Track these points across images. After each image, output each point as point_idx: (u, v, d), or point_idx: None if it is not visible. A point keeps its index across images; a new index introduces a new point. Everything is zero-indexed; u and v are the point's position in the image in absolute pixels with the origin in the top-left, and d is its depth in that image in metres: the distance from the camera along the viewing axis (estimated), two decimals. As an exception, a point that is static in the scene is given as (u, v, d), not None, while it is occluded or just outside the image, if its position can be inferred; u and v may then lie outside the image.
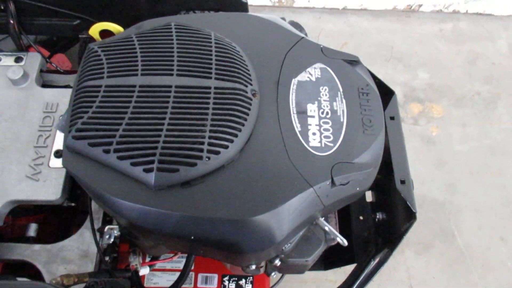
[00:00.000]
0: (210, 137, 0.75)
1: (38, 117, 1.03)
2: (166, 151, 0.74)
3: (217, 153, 0.75)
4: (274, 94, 0.85)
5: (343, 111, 0.85)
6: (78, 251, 0.98)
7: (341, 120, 0.84)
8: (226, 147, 0.75)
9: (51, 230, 1.13)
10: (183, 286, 1.16)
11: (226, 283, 1.20)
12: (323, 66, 0.90)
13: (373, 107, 0.87)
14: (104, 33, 1.12)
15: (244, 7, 1.15)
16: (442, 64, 2.34)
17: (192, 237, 0.78)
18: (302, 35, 0.95)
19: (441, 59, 2.36)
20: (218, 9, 1.18)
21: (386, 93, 1.05)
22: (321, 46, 0.94)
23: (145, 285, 1.18)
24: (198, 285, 1.17)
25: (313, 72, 0.89)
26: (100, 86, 0.79)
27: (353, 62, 0.93)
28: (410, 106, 2.17)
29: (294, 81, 0.87)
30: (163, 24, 0.90)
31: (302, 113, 0.84)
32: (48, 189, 0.94)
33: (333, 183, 0.78)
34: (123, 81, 0.80)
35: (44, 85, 1.11)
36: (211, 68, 0.82)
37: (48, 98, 1.06)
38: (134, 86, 0.79)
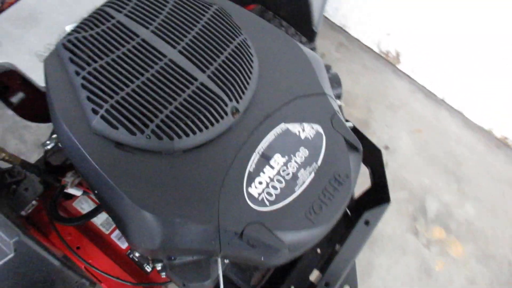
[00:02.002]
0: (162, 120, 0.74)
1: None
2: (119, 106, 0.74)
3: (160, 138, 0.73)
4: (256, 124, 0.81)
5: (303, 182, 0.79)
6: (34, 139, 1.03)
7: (295, 189, 0.78)
8: (171, 138, 0.74)
9: (32, 108, 1.19)
10: (102, 230, 1.19)
11: (134, 251, 1.20)
12: (320, 131, 0.84)
13: (335, 200, 0.80)
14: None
15: (312, 35, 1.11)
16: (496, 213, 2.11)
17: (96, 192, 0.78)
18: (325, 91, 0.89)
19: (500, 207, 2.13)
20: (288, 21, 1.15)
21: (383, 196, 0.97)
22: (336, 111, 0.88)
23: (74, 206, 1.20)
24: (112, 236, 1.18)
25: (307, 130, 0.83)
26: (113, 18, 0.81)
27: (353, 148, 0.86)
28: (433, 228, 2.00)
29: (283, 126, 0.82)
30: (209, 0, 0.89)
31: (265, 158, 0.79)
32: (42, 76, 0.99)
33: (241, 236, 0.73)
34: (132, 26, 0.80)
35: None
36: (212, 64, 0.79)
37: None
38: (138, 36, 0.79)
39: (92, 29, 0.79)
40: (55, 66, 0.79)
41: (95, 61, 0.76)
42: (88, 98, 0.74)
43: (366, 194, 1.17)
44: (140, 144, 0.74)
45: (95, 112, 0.74)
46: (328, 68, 0.99)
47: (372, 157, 1.16)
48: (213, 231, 0.73)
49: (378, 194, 1.10)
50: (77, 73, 0.76)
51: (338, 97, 0.99)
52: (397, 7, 2.10)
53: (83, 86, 0.75)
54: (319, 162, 0.82)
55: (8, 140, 0.99)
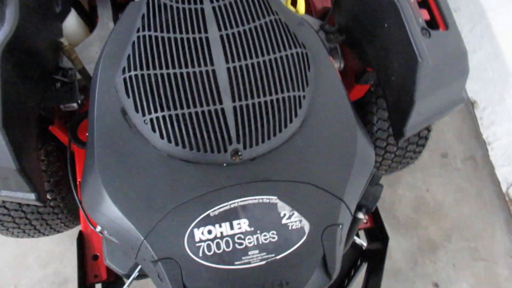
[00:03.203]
0: (164, 117, 0.72)
1: None
2: (141, 80, 0.74)
3: (153, 130, 0.72)
4: (250, 179, 0.74)
5: (248, 263, 0.70)
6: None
7: (235, 262, 0.70)
8: (162, 137, 0.72)
9: None
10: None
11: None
12: (305, 230, 0.73)
13: None
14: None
15: (398, 135, 0.96)
16: None
17: (87, 133, 0.81)
18: (344, 198, 0.76)
19: None
20: (388, 104, 1.02)
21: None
22: (338, 224, 0.75)
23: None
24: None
25: (293, 219, 0.73)
26: (201, 3, 0.81)
27: (325, 271, 0.73)
28: None
29: (274, 199, 0.74)
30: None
31: (232, 214, 0.72)
32: None
33: (155, 262, 0.69)
34: (209, 21, 0.79)
35: None
36: (247, 99, 0.74)
37: None
38: (206, 32, 0.78)
39: (177, 2, 0.79)
40: (133, 11, 0.82)
41: (156, 30, 0.76)
42: (128, 57, 0.76)
43: None
44: (136, 123, 0.73)
45: (123, 71, 0.75)
46: (376, 179, 0.85)
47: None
48: (137, 240, 0.71)
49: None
50: (138, 30, 0.77)
51: (367, 211, 0.85)
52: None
53: (132, 44, 0.76)
54: (279, 257, 0.72)
55: (92, 45, 1.06)
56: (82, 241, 1.15)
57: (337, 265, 0.74)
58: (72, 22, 1.10)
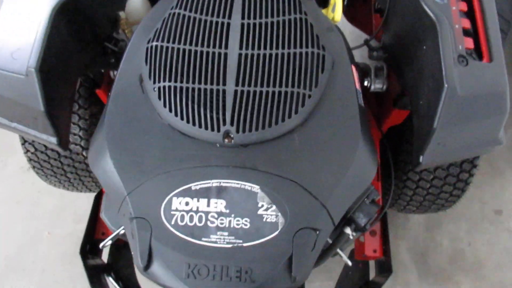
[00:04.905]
0: (170, 87, 0.77)
1: None
2: (159, 50, 0.79)
3: (159, 98, 0.77)
4: (239, 163, 0.75)
5: (215, 242, 0.72)
6: None
7: (203, 238, 0.72)
8: (165, 105, 0.76)
9: None
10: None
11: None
12: (278, 226, 0.72)
13: (219, 284, 0.71)
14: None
15: (414, 162, 0.91)
16: None
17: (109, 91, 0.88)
18: (327, 206, 0.74)
19: None
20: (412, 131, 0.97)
21: None
22: (316, 230, 0.73)
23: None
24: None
25: (269, 213, 0.73)
26: None
27: (288, 273, 0.71)
28: None
29: (255, 188, 0.74)
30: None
31: (212, 193, 0.74)
32: None
33: (132, 219, 0.73)
34: (236, 8, 0.83)
35: None
36: (250, 86, 0.76)
37: None
38: (230, 18, 0.82)
39: None
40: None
41: (186, 10, 0.82)
42: (156, 30, 0.82)
43: None
44: (147, 90, 0.79)
45: (148, 41, 0.81)
46: (372, 196, 0.81)
47: None
48: (121, 195, 0.75)
49: None
50: (171, 8, 0.83)
51: (357, 228, 0.82)
52: None
53: (162, 21, 0.83)
54: (246, 244, 0.72)
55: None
56: (99, 199, 1.23)
57: (303, 270, 0.72)
58: (136, 1, 1.20)
